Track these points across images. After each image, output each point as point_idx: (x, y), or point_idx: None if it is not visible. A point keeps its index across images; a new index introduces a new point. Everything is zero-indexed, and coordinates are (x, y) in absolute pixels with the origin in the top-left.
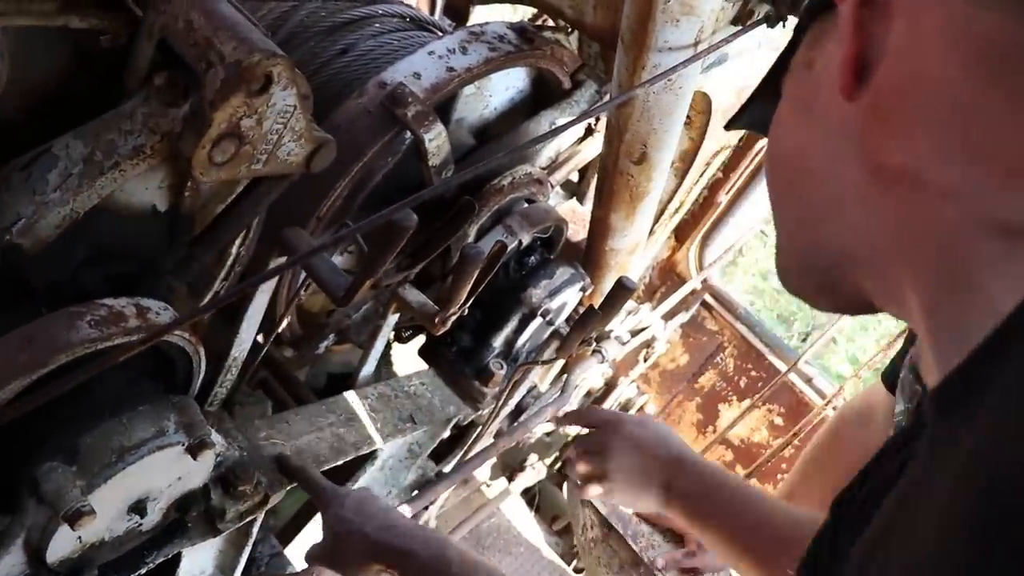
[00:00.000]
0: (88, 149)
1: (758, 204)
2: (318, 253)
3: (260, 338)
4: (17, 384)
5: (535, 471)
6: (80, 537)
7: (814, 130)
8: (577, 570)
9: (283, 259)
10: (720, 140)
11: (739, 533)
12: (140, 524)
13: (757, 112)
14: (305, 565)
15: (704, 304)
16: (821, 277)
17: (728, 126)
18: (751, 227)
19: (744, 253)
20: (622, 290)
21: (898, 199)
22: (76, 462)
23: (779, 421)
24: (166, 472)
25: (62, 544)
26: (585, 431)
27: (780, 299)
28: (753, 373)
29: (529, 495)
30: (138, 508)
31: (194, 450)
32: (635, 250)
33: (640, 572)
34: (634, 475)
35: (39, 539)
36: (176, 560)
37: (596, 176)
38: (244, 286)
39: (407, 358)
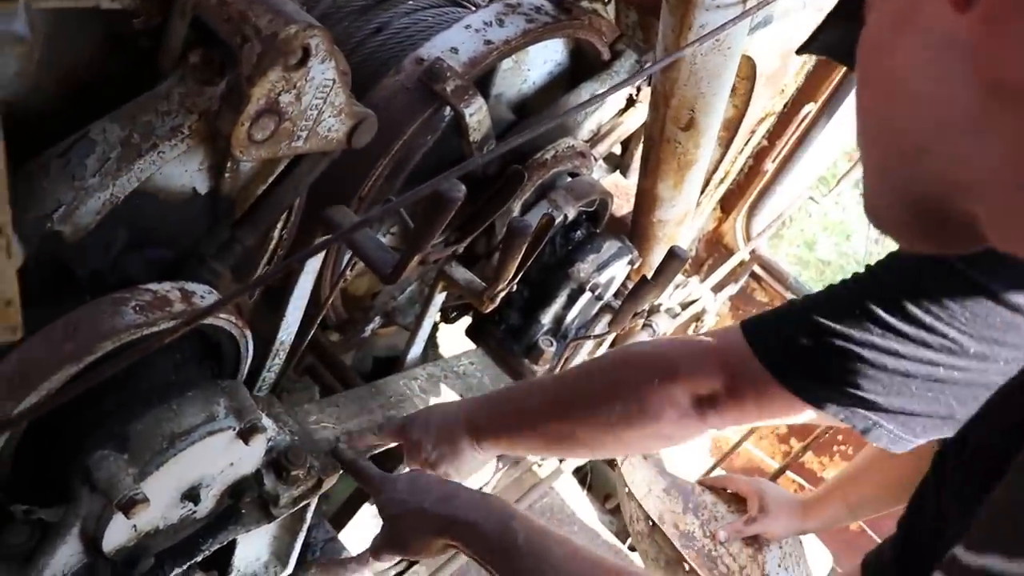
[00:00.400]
0: (125, 132)
1: (805, 171)
2: (362, 231)
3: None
4: (63, 373)
5: None
6: (135, 525)
7: (915, 48)
8: (632, 548)
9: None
10: (764, 107)
11: (539, 421)
12: (194, 511)
13: (833, 35)
14: (360, 549)
15: (753, 275)
16: (922, 212)
17: (800, 50)
18: (799, 195)
19: (789, 223)
20: (674, 259)
21: (1020, 120)
22: (127, 450)
23: None
24: (218, 458)
25: (117, 533)
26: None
27: (826, 270)
28: None
29: (581, 473)
30: (191, 495)
31: (245, 435)
32: (683, 221)
33: (685, 573)
34: (443, 445)
35: (94, 528)
36: (231, 547)
37: (641, 146)
38: (289, 262)
39: (454, 340)
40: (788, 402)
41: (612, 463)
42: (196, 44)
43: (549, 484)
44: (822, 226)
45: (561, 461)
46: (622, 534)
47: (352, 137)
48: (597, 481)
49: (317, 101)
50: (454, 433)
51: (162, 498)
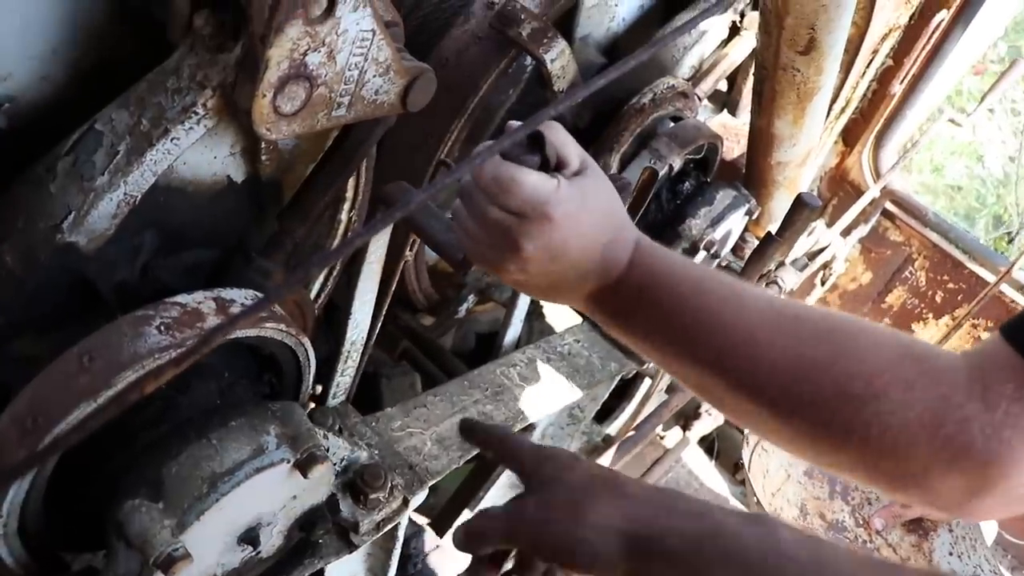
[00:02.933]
0: (133, 119)
1: (937, 91)
2: (426, 209)
3: None
4: (80, 412)
5: (712, 417)
6: None
7: None
8: None
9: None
10: (888, 21)
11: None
12: (257, 552)
13: None
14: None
15: (885, 213)
16: None
17: None
18: (936, 116)
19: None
20: (803, 208)
21: None
22: (162, 497)
23: (987, 337)
24: (275, 494)
25: None
26: None
27: (956, 196)
28: (951, 285)
29: (706, 443)
30: (249, 538)
31: (303, 466)
32: (805, 161)
33: None
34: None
35: None
36: (320, 571)
37: (751, 80)
38: (312, 260)
39: (558, 315)
40: None
41: (742, 430)
42: (203, 4)
43: (674, 457)
44: (950, 149)
45: (685, 429)
46: (755, 507)
47: (407, 98)
48: (724, 448)
49: (356, 59)
50: (623, 220)
51: (212, 547)
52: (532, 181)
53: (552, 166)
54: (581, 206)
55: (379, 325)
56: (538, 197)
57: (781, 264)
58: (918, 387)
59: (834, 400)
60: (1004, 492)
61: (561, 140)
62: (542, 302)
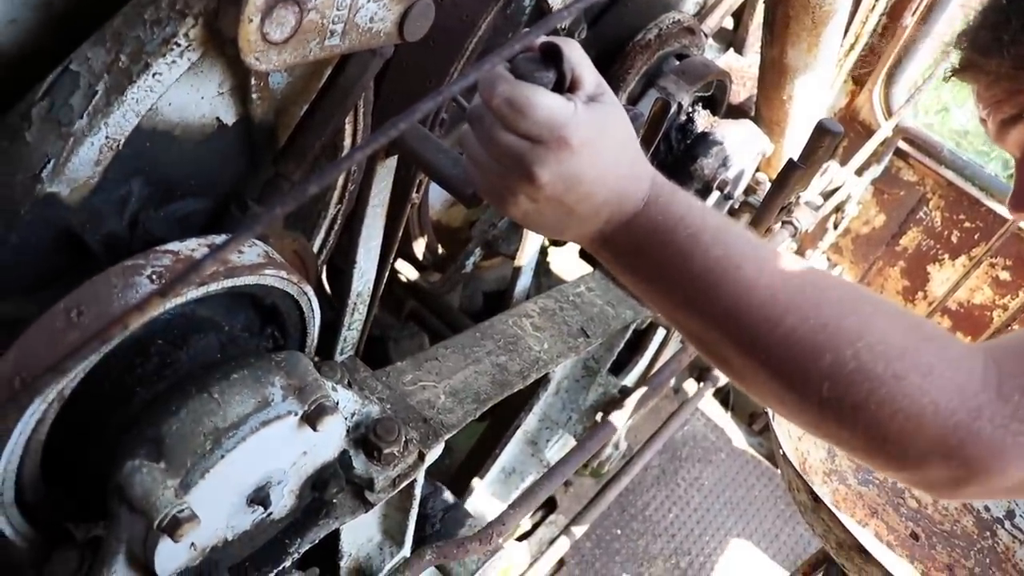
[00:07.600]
0: (111, 56)
1: (950, 21)
2: (432, 145)
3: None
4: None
5: None
6: (193, 543)
7: None
8: None
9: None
10: None
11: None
12: (269, 513)
13: None
14: (489, 516)
15: (898, 152)
16: None
17: None
18: (941, 57)
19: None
20: (825, 135)
21: None
22: (163, 456)
23: (1005, 276)
24: (284, 450)
25: (171, 555)
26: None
27: (962, 141)
28: (967, 224)
29: (722, 395)
30: (259, 498)
31: (312, 419)
32: (820, 94)
33: (865, 560)
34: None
35: (143, 553)
36: (335, 533)
37: (763, 7)
38: (308, 183)
39: (567, 265)
40: None
41: None
42: None
43: (690, 410)
44: (955, 91)
45: (700, 381)
46: (774, 458)
47: (404, 26)
48: (739, 400)
49: None
50: (638, 154)
51: (220, 508)
52: (549, 103)
53: (567, 86)
54: (599, 133)
55: (386, 276)
56: (555, 120)
57: (796, 204)
58: (936, 373)
59: (851, 376)
60: (996, 482)
61: (577, 58)
62: (548, 258)
